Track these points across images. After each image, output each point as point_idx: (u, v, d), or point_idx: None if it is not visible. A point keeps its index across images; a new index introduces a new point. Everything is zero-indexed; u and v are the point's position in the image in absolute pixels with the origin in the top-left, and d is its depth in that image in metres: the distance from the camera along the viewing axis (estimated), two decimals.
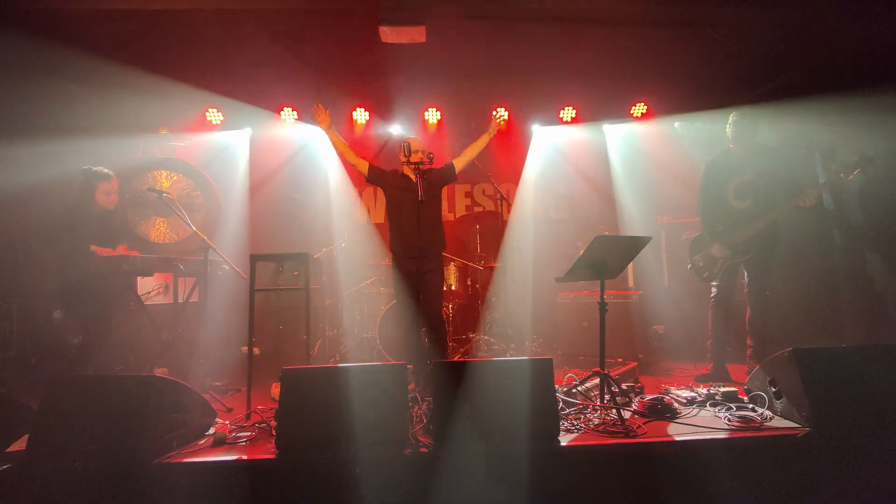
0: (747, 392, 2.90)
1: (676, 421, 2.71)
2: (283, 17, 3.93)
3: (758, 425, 2.54)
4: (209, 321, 4.10)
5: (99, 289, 3.47)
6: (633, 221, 5.54)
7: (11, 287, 4.25)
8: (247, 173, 5.60)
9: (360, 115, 5.53)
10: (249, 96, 5.17)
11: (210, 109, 5.35)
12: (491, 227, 5.20)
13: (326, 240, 5.08)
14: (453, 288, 4.66)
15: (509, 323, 4.94)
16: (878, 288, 4.12)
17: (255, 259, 3.29)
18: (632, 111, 5.60)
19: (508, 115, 5.57)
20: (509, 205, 5.64)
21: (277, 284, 4.47)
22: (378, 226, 5.70)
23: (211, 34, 4.05)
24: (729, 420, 2.63)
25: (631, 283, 5.25)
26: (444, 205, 4.19)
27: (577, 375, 3.45)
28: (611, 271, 3.14)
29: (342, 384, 2.43)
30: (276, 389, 3.17)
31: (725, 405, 2.79)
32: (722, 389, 2.96)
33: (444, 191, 3.78)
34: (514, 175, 5.89)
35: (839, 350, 2.72)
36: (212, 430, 2.74)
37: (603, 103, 5.57)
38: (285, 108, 5.41)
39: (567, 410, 2.82)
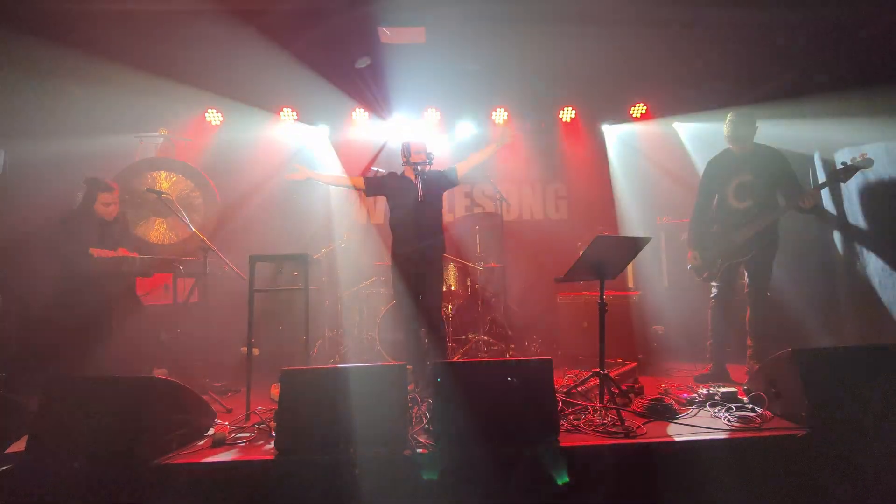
0: (747, 392, 2.90)
1: (676, 421, 2.70)
2: (283, 18, 3.93)
3: (757, 426, 2.54)
4: (209, 322, 4.10)
5: (98, 290, 3.47)
6: (633, 222, 5.54)
7: (11, 288, 4.24)
8: (247, 173, 5.59)
9: (360, 116, 5.52)
10: (249, 96, 5.16)
11: (210, 109, 5.34)
12: (491, 227, 5.19)
13: (326, 240, 5.07)
14: (453, 288, 4.66)
15: (509, 323, 4.94)
16: (878, 288, 4.12)
17: (254, 260, 3.28)
18: (631, 112, 5.59)
19: (508, 116, 5.57)
20: (509, 205, 5.64)
21: (277, 285, 4.46)
22: (378, 226, 5.69)
23: (211, 34, 4.05)
24: (729, 420, 2.63)
25: (630, 284, 5.24)
26: (444, 205, 4.18)
27: (576, 376, 3.45)
28: (610, 272, 3.14)
29: (342, 385, 2.42)
30: (275, 390, 3.16)
31: (725, 405, 2.78)
32: (722, 390, 2.95)
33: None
34: (515, 175, 5.89)
35: (839, 350, 2.72)
36: (211, 431, 2.74)
37: (603, 103, 5.57)
38: (285, 109, 5.40)
39: (567, 411, 2.82)
